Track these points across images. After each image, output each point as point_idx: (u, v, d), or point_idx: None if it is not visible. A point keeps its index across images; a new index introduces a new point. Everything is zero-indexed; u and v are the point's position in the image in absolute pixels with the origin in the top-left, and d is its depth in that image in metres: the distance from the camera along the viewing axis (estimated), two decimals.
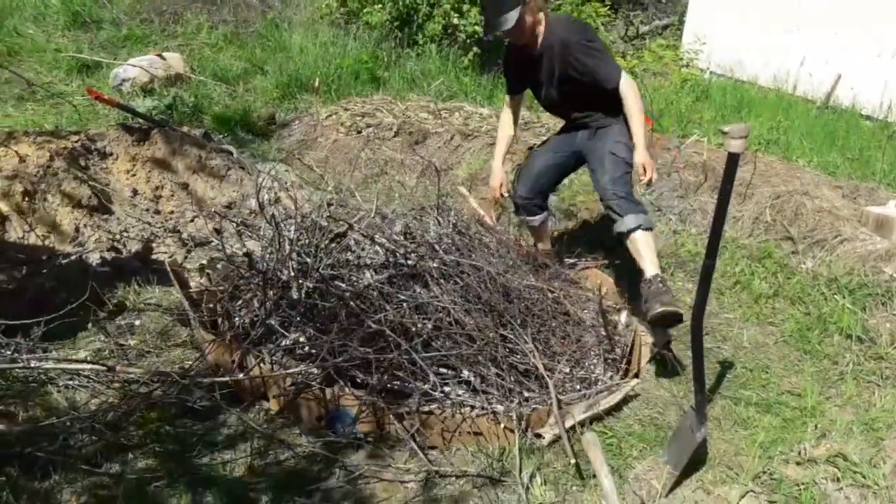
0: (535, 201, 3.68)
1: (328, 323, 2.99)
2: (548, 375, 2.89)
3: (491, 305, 3.12)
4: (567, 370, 3.13)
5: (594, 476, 2.65)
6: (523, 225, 3.99)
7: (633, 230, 3.19)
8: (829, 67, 7.64)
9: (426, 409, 2.88)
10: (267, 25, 8.02)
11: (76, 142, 4.26)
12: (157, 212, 4.32)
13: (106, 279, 3.69)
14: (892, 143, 6.23)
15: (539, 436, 2.85)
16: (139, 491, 2.48)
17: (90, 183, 4.07)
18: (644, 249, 3.20)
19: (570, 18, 3.48)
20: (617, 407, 3.05)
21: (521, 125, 5.76)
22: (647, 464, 2.77)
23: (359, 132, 5.97)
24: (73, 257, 3.59)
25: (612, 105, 3.32)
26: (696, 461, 2.72)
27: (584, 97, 3.37)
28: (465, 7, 7.57)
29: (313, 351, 2.99)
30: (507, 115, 3.61)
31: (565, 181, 4.47)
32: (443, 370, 2.99)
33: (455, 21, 7.60)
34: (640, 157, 3.20)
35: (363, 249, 3.24)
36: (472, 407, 2.89)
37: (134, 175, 4.37)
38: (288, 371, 2.92)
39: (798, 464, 2.80)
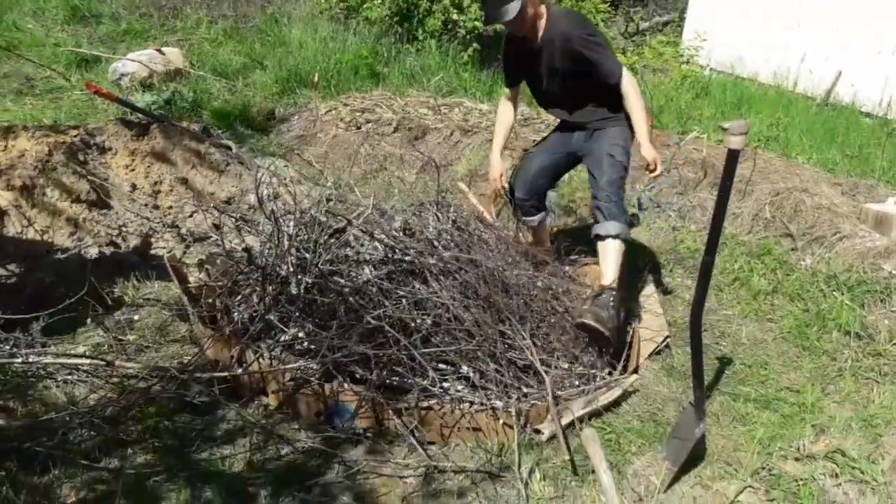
0: (532, 202, 3.67)
1: (327, 319, 2.99)
2: (545, 371, 2.89)
3: (489, 301, 3.12)
4: (566, 366, 3.13)
5: (593, 472, 2.65)
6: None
7: (612, 237, 3.20)
8: (829, 64, 7.64)
9: (425, 404, 2.88)
10: (266, 20, 8.01)
11: (75, 136, 4.25)
12: (156, 207, 4.32)
13: (105, 274, 3.69)
14: (892, 141, 6.24)
15: (538, 431, 2.85)
16: (138, 486, 2.48)
17: (89, 178, 4.06)
18: (612, 256, 3.22)
19: (571, 12, 3.43)
20: (616, 403, 3.05)
21: (520, 121, 5.78)
22: (645, 459, 2.78)
23: (358, 128, 5.96)
24: (71, 252, 3.59)
25: (612, 102, 3.31)
26: (694, 457, 2.72)
27: (584, 92, 3.35)
28: (465, 3, 7.55)
29: (312, 346, 3.00)
30: (505, 106, 3.60)
31: (564, 177, 4.47)
32: (442, 366, 3.00)
33: (455, 17, 7.58)
34: (647, 151, 3.19)
35: (362, 245, 3.23)
36: (471, 402, 2.89)
37: (133, 170, 4.36)
38: (287, 367, 2.92)
39: (797, 460, 2.80)
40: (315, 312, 3.06)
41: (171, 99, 5.87)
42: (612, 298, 3.13)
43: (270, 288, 3.07)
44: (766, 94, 7.72)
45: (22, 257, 3.47)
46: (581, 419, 2.88)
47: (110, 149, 4.38)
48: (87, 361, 3.01)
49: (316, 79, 6.43)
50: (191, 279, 3.66)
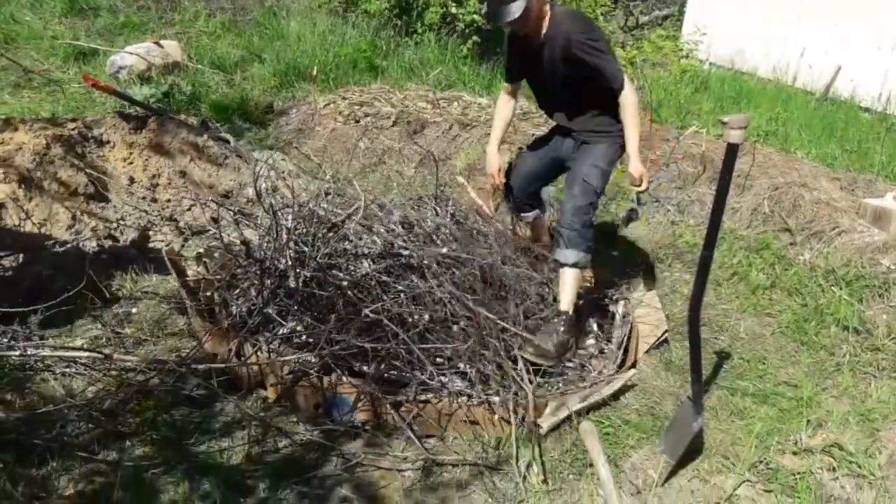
0: (527, 200, 3.66)
1: (326, 312, 2.99)
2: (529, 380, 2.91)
3: (487, 297, 3.13)
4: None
5: (591, 465, 2.66)
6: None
7: (569, 265, 3.20)
8: (829, 58, 7.63)
9: (423, 398, 2.88)
10: (265, 13, 7.98)
11: (73, 129, 4.24)
12: (154, 200, 4.31)
13: (103, 267, 3.68)
14: (891, 136, 6.23)
15: (536, 425, 2.85)
16: (136, 478, 2.48)
17: (87, 171, 4.05)
18: (569, 285, 3.22)
19: (575, 14, 3.34)
20: (614, 396, 3.05)
21: (519, 115, 5.77)
22: (643, 453, 2.78)
23: (357, 121, 5.95)
24: (69, 245, 3.58)
25: (607, 110, 3.23)
26: (692, 451, 2.72)
27: (582, 98, 3.28)
28: None
29: (310, 340, 2.99)
30: (504, 100, 3.56)
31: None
32: (440, 359, 3.00)
33: (453, 10, 7.56)
34: (634, 167, 3.17)
35: (360, 239, 3.23)
36: (469, 396, 2.90)
37: (131, 163, 4.35)
38: (285, 358, 2.92)
39: (794, 454, 2.81)
40: (313, 306, 3.05)
41: (170, 92, 5.85)
42: (562, 324, 3.18)
43: (268, 281, 3.07)
44: (765, 88, 7.72)
45: (20, 250, 3.47)
46: (580, 413, 2.89)
47: (108, 142, 4.37)
48: (85, 354, 3.01)
49: (314, 72, 6.41)
50: (189, 273, 3.65)
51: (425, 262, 3.12)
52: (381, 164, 5.58)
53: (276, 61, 6.93)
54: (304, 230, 3.16)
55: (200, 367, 2.91)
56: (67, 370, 2.99)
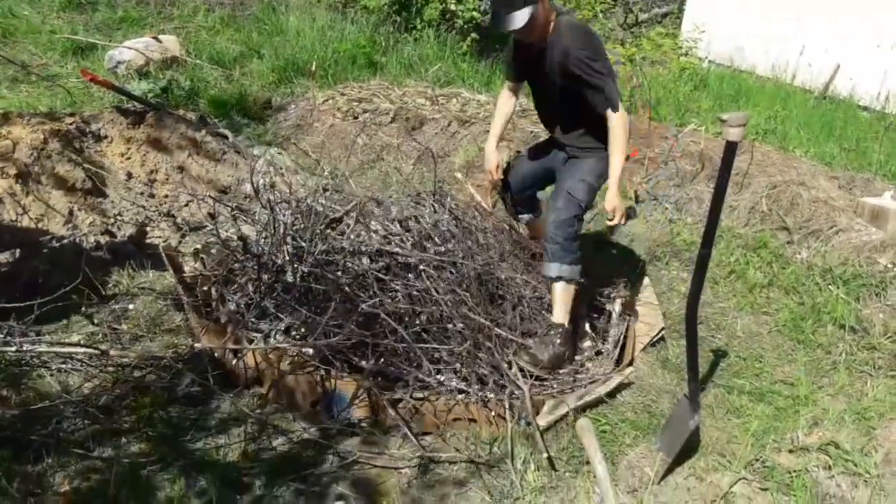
0: (522, 203, 3.66)
1: (323, 308, 2.99)
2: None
3: (483, 298, 3.14)
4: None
5: (587, 462, 2.66)
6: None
7: (555, 279, 3.17)
8: (828, 56, 7.62)
9: (420, 395, 2.88)
10: (264, 8, 7.95)
11: (71, 124, 4.23)
12: (152, 195, 4.30)
13: (100, 263, 3.68)
14: (889, 135, 6.23)
15: (529, 423, 2.85)
16: (132, 475, 2.48)
17: (84, 166, 4.04)
18: (559, 298, 3.20)
19: (579, 28, 3.15)
20: (611, 394, 3.06)
21: (518, 112, 5.75)
22: (640, 451, 2.79)
23: (355, 117, 5.94)
24: (66, 240, 3.58)
25: (601, 126, 3.11)
26: (688, 448, 2.73)
27: (576, 114, 3.19)
28: None
29: (308, 334, 2.99)
30: (505, 96, 3.52)
31: None
32: (436, 356, 3.00)
33: (453, 6, 7.54)
34: (610, 199, 3.09)
35: (358, 236, 3.23)
36: (467, 393, 2.90)
37: (129, 158, 4.34)
38: (280, 345, 2.93)
39: (790, 452, 2.81)
40: (311, 301, 3.05)
41: (168, 87, 5.83)
42: (558, 337, 3.17)
43: (266, 276, 3.07)
44: (764, 86, 7.71)
45: (17, 245, 3.46)
46: (576, 410, 2.89)
47: (106, 137, 4.36)
48: (82, 350, 3.00)
49: (313, 68, 6.40)
50: (186, 269, 3.65)
51: (421, 267, 3.13)
52: (380, 160, 5.57)
53: (274, 57, 6.91)
54: (302, 225, 3.16)
55: (199, 359, 2.91)
56: (63, 366, 2.99)
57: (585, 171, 3.18)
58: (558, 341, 3.16)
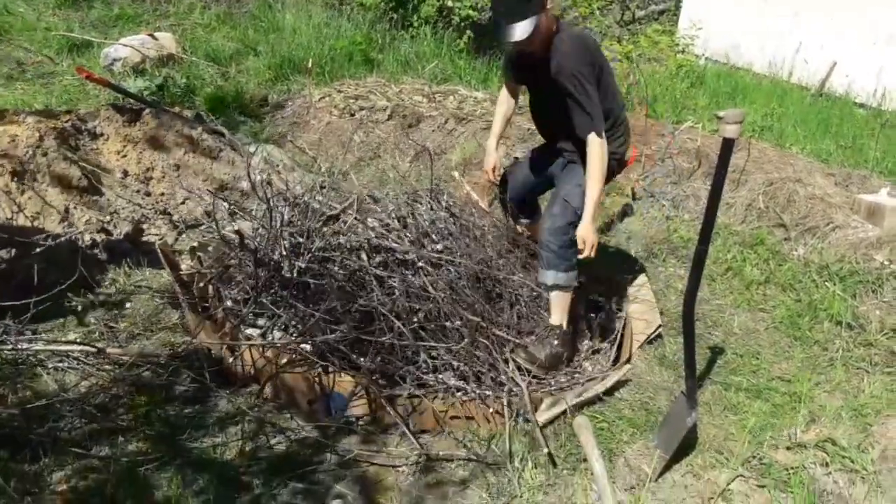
0: (520, 208, 3.65)
1: (320, 303, 2.99)
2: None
3: (481, 296, 3.14)
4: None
5: (585, 460, 2.66)
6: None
7: (550, 287, 3.15)
8: (824, 53, 7.62)
9: (418, 393, 2.88)
10: (260, 6, 7.93)
11: (66, 122, 4.21)
12: (148, 193, 4.29)
13: (96, 261, 3.67)
14: (885, 132, 6.24)
15: (528, 420, 2.85)
16: (130, 474, 2.47)
17: (80, 163, 4.03)
18: (556, 304, 3.20)
19: (578, 42, 3.00)
20: (608, 392, 3.06)
21: (517, 111, 5.75)
22: (637, 448, 2.79)
23: (352, 115, 5.92)
24: (62, 239, 3.56)
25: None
26: (686, 446, 2.73)
27: (567, 127, 3.11)
28: None
29: (305, 331, 2.99)
30: (504, 96, 3.49)
31: None
32: (434, 353, 3.00)
33: (449, 3, 7.53)
34: (582, 230, 2.98)
35: (355, 233, 3.22)
36: (465, 391, 2.90)
37: (125, 156, 4.33)
38: (277, 341, 2.92)
39: (787, 449, 2.82)
40: (308, 297, 3.05)
41: (164, 84, 5.82)
42: (556, 338, 3.19)
43: (262, 272, 3.06)
44: (760, 84, 7.71)
45: (12, 244, 3.45)
46: (574, 408, 2.89)
47: (102, 134, 4.35)
48: (78, 348, 3.00)
49: (310, 65, 6.38)
50: (182, 266, 3.64)
51: (420, 263, 3.12)
52: (377, 157, 5.56)
53: (271, 54, 6.89)
54: (299, 221, 3.16)
55: (194, 358, 2.90)
56: (60, 365, 2.98)
57: (582, 177, 3.09)
58: (556, 342, 3.17)
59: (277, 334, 3.08)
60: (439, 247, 3.26)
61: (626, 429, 2.90)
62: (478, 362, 2.99)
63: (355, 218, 3.26)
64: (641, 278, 3.88)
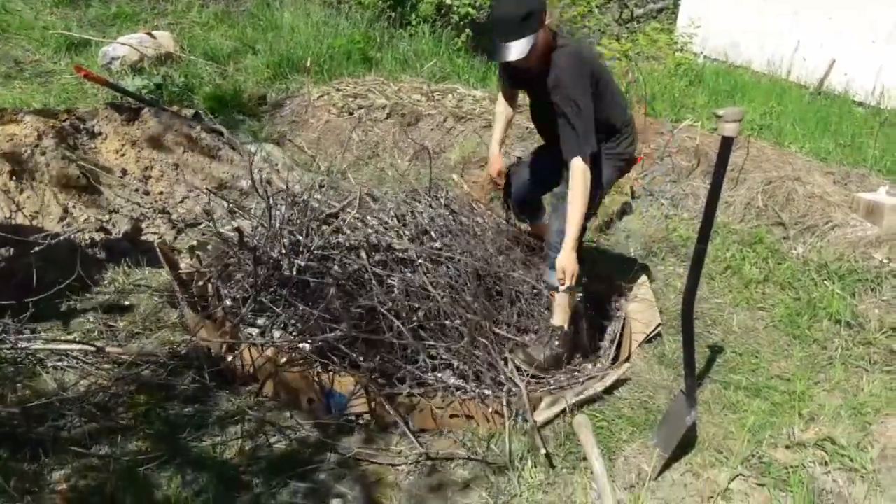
0: (524, 210, 3.64)
1: (320, 302, 2.99)
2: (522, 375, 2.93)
3: (480, 295, 3.14)
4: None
5: (585, 458, 2.66)
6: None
7: (554, 288, 3.13)
8: (823, 52, 7.63)
9: (418, 392, 2.88)
10: (258, 4, 7.92)
11: (65, 121, 4.21)
12: (147, 192, 4.29)
13: (95, 260, 3.67)
14: (884, 130, 6.25)
15: (525, 419, 2.85)
16: (130, 473, 2.47)
17: (79, 162, 4.03)
18: (558, 303, 3.19)
19: (575, 61, 2.89)
20: (608, 391, 3.06)
21: (516, 110, 5.74)
22: (636, 447, 2.79)
23: (351, 113, 5.92)
24: (61, 238, 3.56)
25: (599, 134, 3.00)
26: (685, 444, 2.73)
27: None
28: None
29: (305, 330, 2.99)
30: (502, 103, 3.44)
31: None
32: (433, 353, 3.01)
33: (448, 1, 7.52)
34: (562, 259, 2.88)
35: (354, 231, 3.22)
36: (465, 390, 2.90)
37: (123, 155, 4.32)
38: (276, 340, 2.92)
39: (787, 447, 2.82)
40: (308, 296, 3.05)
41: (162, 83, 5.80)
42: (557, 339, 3.18)
43: (262, 271, 3.06)
44: (759, 82, 7.71)
45: (11, 243, 3.44)
46: (573, 407, 2.89)
47: (101, 133, 4.34)
48: (77, 347, 3.00)
49: (308, 64, 6.37)
50: (182, 265, 3.64)
51: (419, 261, 3.12)
52: (375, 156, 5.56)
53: (269, 52, 6.88)
54: (298, 220, 3.16)
55: (194, 357, 2.90)
56: (60, 363, 2.98)
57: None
58: (557, 343, 3.17)
59: (277, 333, 3.08)
60: (438, 244, 3.26)
61: (625, 427, 2.90)
62: (477, 361, 2.99)
63: (354, 216, 3.26)
64: (641, 277, 3.88)
